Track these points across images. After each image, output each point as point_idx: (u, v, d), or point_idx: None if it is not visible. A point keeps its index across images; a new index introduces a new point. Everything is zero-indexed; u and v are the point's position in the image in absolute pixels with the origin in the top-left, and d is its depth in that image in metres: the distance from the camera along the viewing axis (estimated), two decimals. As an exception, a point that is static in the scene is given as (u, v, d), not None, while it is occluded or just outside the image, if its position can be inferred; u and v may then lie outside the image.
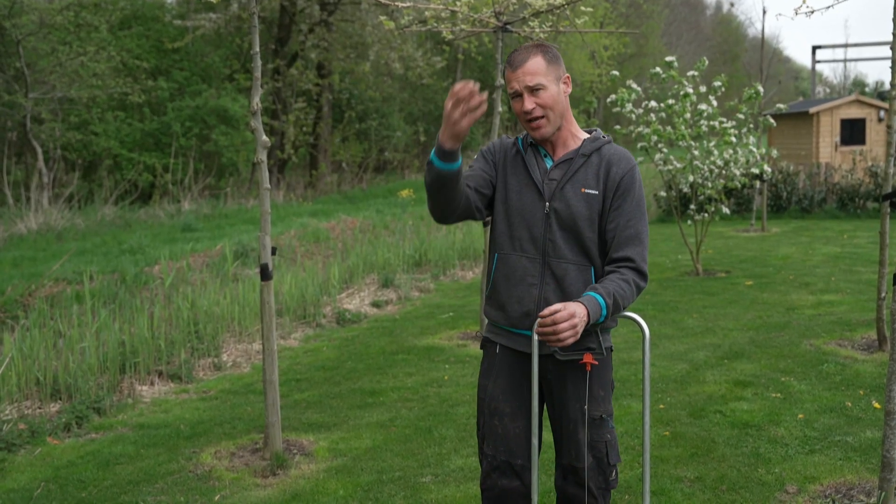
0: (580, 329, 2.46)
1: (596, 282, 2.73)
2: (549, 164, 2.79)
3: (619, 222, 2.70)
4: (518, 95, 2.69)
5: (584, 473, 2.75)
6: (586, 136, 2.82)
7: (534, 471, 2.73)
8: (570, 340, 2.44)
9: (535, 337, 2.64)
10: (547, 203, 2.73)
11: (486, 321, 2.93)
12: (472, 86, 2.39)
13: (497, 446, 2.80)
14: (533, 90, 2.66)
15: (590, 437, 2.76)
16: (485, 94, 2.41)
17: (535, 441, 2.72)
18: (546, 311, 2.46)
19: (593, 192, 2.72)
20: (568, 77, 2.76)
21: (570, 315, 2.44)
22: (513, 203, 2.77)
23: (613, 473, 2.81)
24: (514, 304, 2.75)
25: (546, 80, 2.67)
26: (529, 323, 2.72)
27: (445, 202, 2.66)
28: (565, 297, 2.70)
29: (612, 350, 2.86)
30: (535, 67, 2.66)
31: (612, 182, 2.71)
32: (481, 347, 2.96)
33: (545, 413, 2.94)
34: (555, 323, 2.43)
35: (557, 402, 2.80)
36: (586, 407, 2.74)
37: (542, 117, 2.69)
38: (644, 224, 2.73)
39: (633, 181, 2.72)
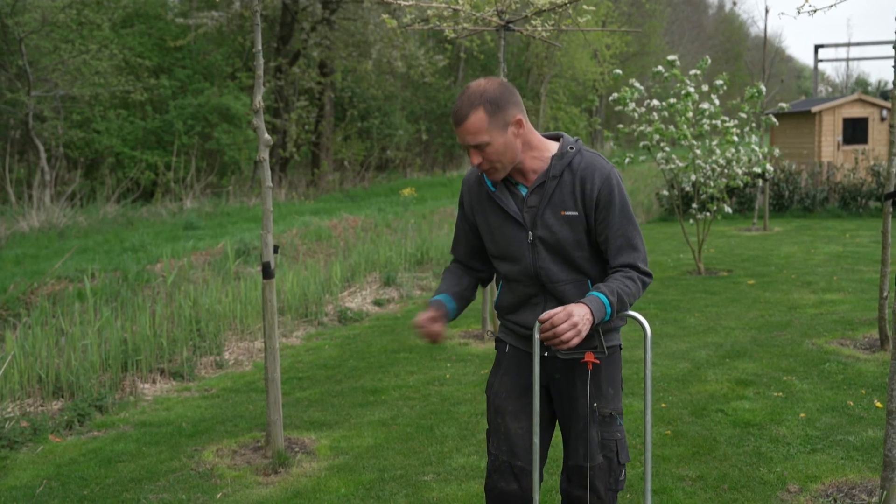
0: (583, 328, 2.45)
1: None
2: (523, 191, 2.71)
3: (608, 234, 2.66)
4: (468, 147, 2.63)
5: (592, 473, 2.74)
6: (553, 150, 2.70)
7: (535, 471, 2.73)
8: (575, 341, 2.44)
9: (537, 336, 2.64)
10: (530, 232, 2.68)
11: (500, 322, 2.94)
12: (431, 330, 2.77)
13: (500, 445, 2.80)
14: (478, 147, 2.59)
15: (600, 436, 2.75)
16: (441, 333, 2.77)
17: (536, 440, 2.72)
18: (544, 315, 2.48)
19: (573, 213, 2.64)
20: (519, 118, 2.60)
21: (568, 315, 2.44)
22: (497, 240, 2.75)
23: (622, 473, 2.79)
24: (527, 317, 2.78)
25: (490, 136, 2.55)
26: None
27: None
28: None
29: (620, 348, 2.86)
30: (477, 126, 2.55)
31: (588, 200, 2.63)
32: (496, 346, 2.98)
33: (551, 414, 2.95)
34: (553, 326, 2.44)
35: (567, 401, 2.80)
36: (596, 405, 2.74)
37: (491, 168, 2.63)
38: (634, 229, 2.67)
39: (610, 192, 2.64)
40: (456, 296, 2.87)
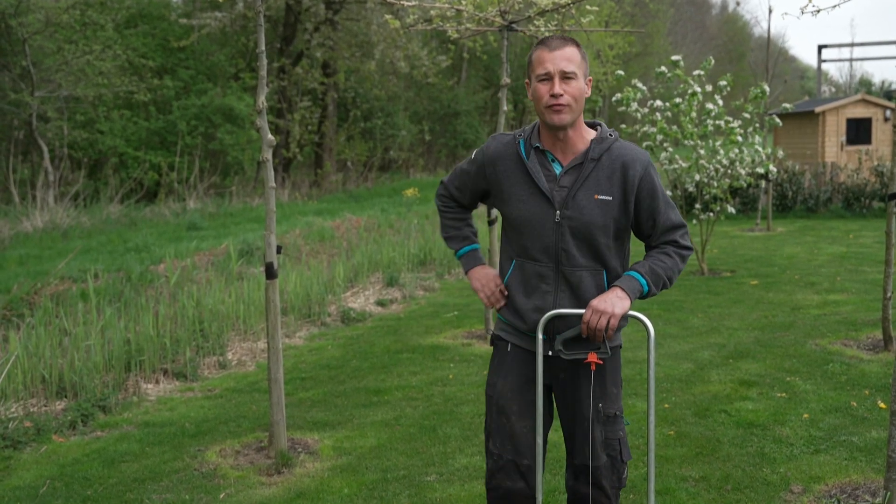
0: (617, 310, 2.57)
1: (607, 283, 2.74)
2: (557, 169, 2.72)
3: (656, 219, 2.74)
4: (548, 78, 2.64)
5: (597, 472, 2.76)
6: (593, 133, 2.75)
7: (538, 471, 2.73)
8: (613, 322, 2.57)
9: (540, 336, 2.64)
10: (558, 212, 2.68)
11: (497, 318, 2.93)
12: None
13: (504, 444, 2.80)
14: (565, 76, 2.63)
15: (604, 435, 2.77)
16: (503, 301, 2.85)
17: (539, 440, 2.72)
18: (584, 330, 2.60)
19: (607, 197, 2.67)
20: (590, 80, 2.74)
21: (592, 310, 2.58)
22: (520, 213, 2.72)
23: (625, 471, 2.82)
24: (531, 313, 2.75)
25: (579, 72, 2.65)
26: (546, 327, 2.74)
27: None
28: (579, 302, 2.71)
29: (620, 347, 2.88)
30: (572, 55, 2.65)
31: (630, 186, 2.68)
32: (491, 344, 2.95)
33: (554, 413, 2.95)
34: (590, 328, 2.58)
35: (571, 401, 2.80)
36: (601, 405, 2.76)
37: (567, 105, 2.63)
38: (675, 209, 2.78)
39: (653, 180, 2.71)
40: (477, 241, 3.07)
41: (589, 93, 2.71)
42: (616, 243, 2.74)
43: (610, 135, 2.74)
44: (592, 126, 2.79)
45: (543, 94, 2.64)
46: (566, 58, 2.63)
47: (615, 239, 2.72)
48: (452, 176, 3.00)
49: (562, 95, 2.61)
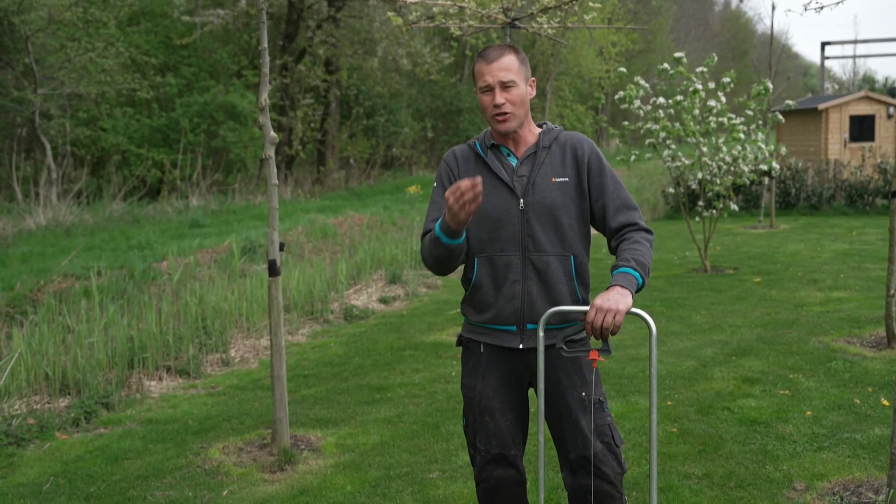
0: (621, 306, 2.53)
1: (574, 268, 2.82)
2: (513, 161, 2.86)
3: (606, 198, 2.83)
4: (489, 90, 2.76)
5: (595, 460, 2.79)
6: (540, 129, 2.91)
7: (540, 468, 2.73)
8: (619, 318, 2.53)
9: (541, 333, 2.64)
10: (521, 199, 2.79)
11: (465, 321, 2.96)
12: (477, 187, 2.50)
13: (490, 441, 2.86)
14: (505, 86, 2.75)
15: (594, 423, 2.81)
16: (480, 188, 2.51)
17: (540, 438, 2.72)
18: (589, 329, 2.57)
19: (563, 179, 2.82)
20: (533, 81, 2.87)
21: (598, 310, 2.53)
22: (486, 207, 2.80)
23: (621, 456, 2.86)
24: (503, 303, 2.80)
25: (517, 79, 2.76)
26: (516, 318, 2.79)
27: (452, 265, 2.82)
28: (547, 288, 2.78)
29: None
30: (509, 64, 2.76)
31: (581, 165, 2.84)
32: (458, 345, 3.00)
33: (534, 408, 2.97)
34: (595, 327, 2.54)
35: (554, 394, 2.83)
36: (584, 394, 2.80)
37: (510, 113, 2.76)
38: (625, 190, 2.88)
39: (599, 157, 2.86)
40: None
41: (533, 93, 2.84)
42: (580, 225, 2.83)
43: (556, 126, 2.93)
44: (539, 125, 2.95)
45: (487, 105, 2.78)
46: (503, 68, 2.74)
47: (578, 220, 2.83)
48: (428, 218, 2.91)
49: (504, 104, 2.75)
